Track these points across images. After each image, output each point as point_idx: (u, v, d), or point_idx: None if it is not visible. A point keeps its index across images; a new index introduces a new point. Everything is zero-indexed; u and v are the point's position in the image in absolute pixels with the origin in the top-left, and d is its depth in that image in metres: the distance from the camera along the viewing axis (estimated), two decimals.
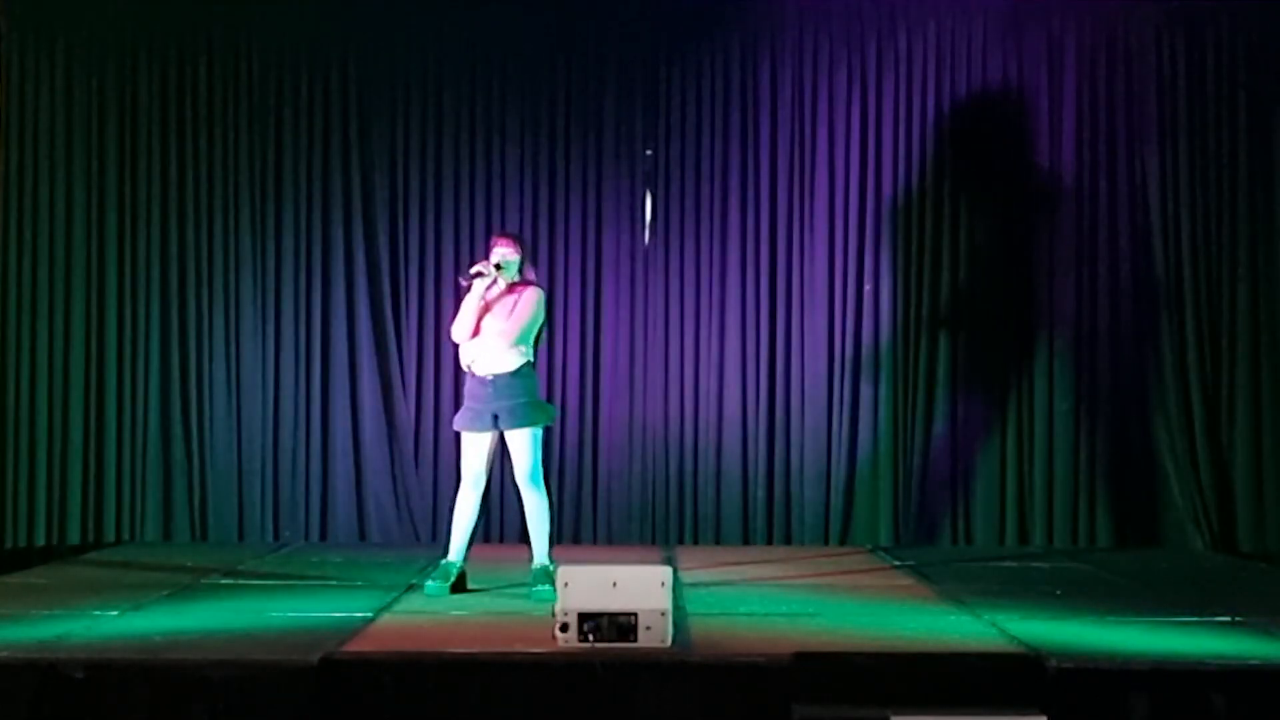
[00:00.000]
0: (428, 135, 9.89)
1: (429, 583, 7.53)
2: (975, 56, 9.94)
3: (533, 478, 7.55)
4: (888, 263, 9.90)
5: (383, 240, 9.86)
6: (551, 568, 7.23)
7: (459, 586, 7.54)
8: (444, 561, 7.58)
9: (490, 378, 7.49)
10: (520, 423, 7.50)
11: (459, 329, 7.57)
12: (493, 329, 7.51)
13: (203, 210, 9.81)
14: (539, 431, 7.61)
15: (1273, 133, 9.77)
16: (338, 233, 9.85)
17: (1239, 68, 9.81)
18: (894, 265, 9.90)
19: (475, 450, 7.56)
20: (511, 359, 7.52)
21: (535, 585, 7.41)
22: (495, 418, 7.48)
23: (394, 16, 9.87)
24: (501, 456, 7.69)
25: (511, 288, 7.57)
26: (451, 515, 7.66)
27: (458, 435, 7.71)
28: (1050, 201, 9.92)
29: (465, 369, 7.63)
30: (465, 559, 7.62)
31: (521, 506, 7.71)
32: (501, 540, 9.49)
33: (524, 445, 7.52)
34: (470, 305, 7.53)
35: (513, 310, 7.53)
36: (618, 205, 9.92)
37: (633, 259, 9.91)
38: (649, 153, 9.93)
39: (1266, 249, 9.76)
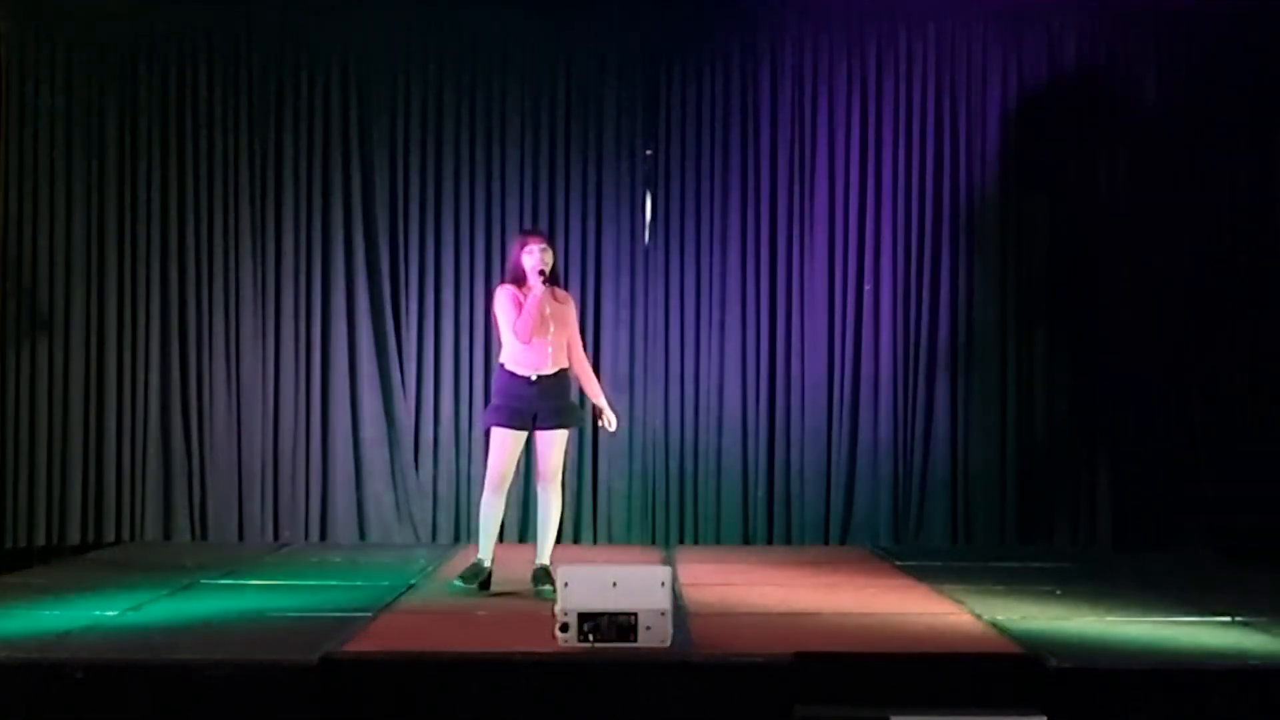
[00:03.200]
0: (428, 135, 9.90)
1: (456, 581, 7.54)
2: (975, 56, 9.94)
3: (558, 479, 7.57)
4: (888, 263, 9.91)
5: (383, 240, 9.87)
6: (551, 568, 7.24)
7: (486, 585, 7.55)
8: (477, 559, 7.56)
9: (536, 378, 7.48)
10: (566, 422, 7.53)
11: (528, 331, 7.37)
12: (546, 331, 7.45)
13: (203, 210, 9.82)
14: (573, 433, 7.60)
15: (1273, 133, 9.77)
16: (338, 233, 9.85)
17: (1239, 68, 9.81)
18: (894, 265, 9.90)
19: (512, 448, 7.51)
20: (559, 360, 7.53)
21: (537, 585, 7.42)
22: (534, 417, 7.47)
23: (394, 16, 9.87)
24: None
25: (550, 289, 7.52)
26: (478, 516, 7.62)
27: (485, 434, 7.64)
28: (1050, 201, 9.92)
29: (506, 368, 7.52)
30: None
31: (529, 505, 7.69)
32: (501, 540, 9.47)
33: (560, 446, 7.54)
34: (536, 307, 7.37)
35: (571, 315, 7.59)
36: (618, 205, 9.92)
37: (633, 259, 9.91)
38: (649, 153, 9.93)
39: (1266, 249, 9.76)
